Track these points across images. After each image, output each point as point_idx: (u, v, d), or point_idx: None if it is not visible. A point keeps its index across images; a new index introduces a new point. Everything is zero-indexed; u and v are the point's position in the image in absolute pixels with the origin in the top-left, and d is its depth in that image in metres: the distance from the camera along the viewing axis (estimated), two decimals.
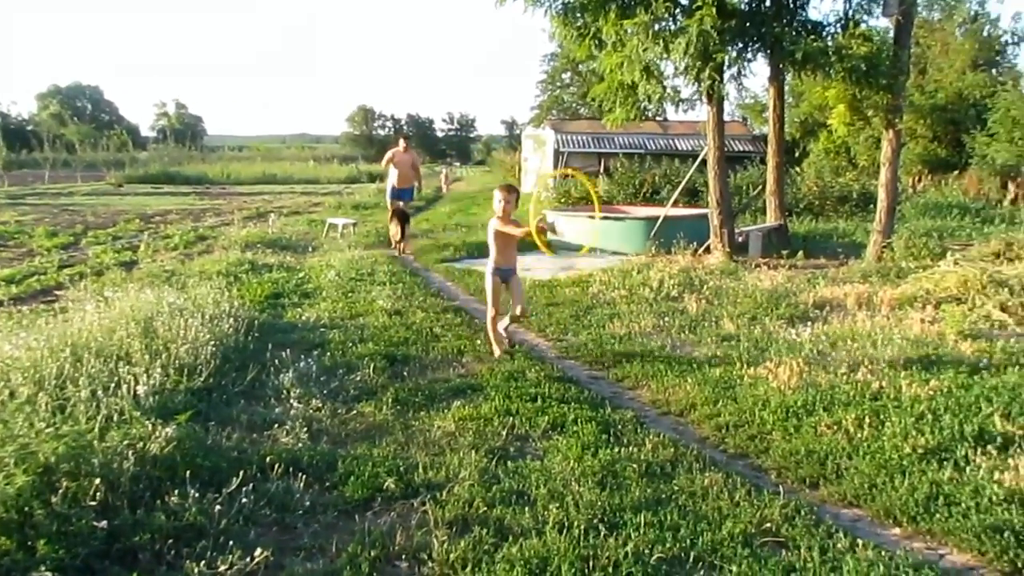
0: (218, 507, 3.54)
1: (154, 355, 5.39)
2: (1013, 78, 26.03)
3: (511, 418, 4.97)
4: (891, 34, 11.96)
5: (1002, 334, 7.15)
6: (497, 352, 6.57)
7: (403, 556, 3.35)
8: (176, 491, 3.61)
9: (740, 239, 12.55)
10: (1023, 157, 22.88)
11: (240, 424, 4.82)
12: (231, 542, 3.28)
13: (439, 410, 5.18)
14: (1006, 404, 5.02)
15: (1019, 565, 3.26)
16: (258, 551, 3.17)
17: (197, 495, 3.61)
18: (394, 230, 15.21)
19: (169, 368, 5.26)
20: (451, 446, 4.55)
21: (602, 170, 25.05)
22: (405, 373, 6.02)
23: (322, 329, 7.33)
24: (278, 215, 19.75)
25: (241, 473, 3.82)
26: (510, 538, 3.40)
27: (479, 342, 6.95)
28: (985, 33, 27.75)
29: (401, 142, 14.96)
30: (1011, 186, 20.56)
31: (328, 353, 6.44)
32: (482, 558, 3.26)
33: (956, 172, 23.25)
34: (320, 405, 5.16)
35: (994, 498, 3.76)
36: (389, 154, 14.90)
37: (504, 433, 4.76)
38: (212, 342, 5.93)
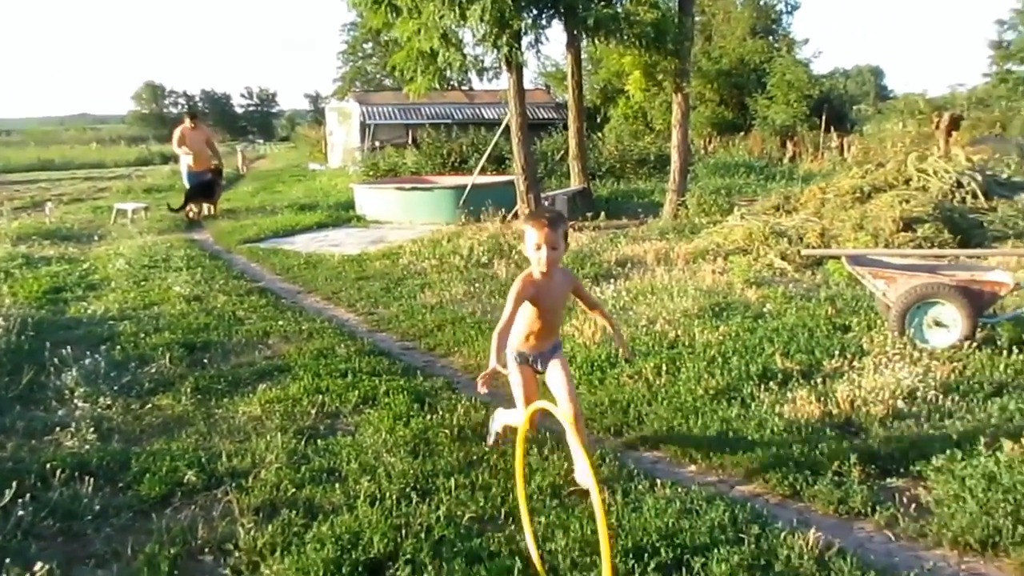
0: None
1: None
2: (787, 44, 28.29)
3: (321, 396, 4.83)
4: (677, 2, 12.56)
5: (782, 280, 7.77)
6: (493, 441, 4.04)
7: (207, 549, 3.18)
8: None
9: (547, 203, 12.86)
10: (798, 118, 25.00)
11: (16, 432, 4.38)
12: (7, 560, 2.97)
13: (244, 395, 4.95)
14: (785, 344, 5.46)
15: (798, 488, 3.55)
16: (39, 566, 2.89)
17: None
18: (196, 209, 14.46)
19: None
20: (257, 431, 4.36)
21: (410, 141, 24.85)
22: (206, 360, 5.69)
23: (111, 322, 6.79)
24: (57, 203, 18.07)
25: (15, 484, 3.46)
26: (320, 517, 3.31)
27: (282, 322, 6.68)
28: (762, 2, 29.90)
29: (187, 120, 14.15)
30: (789, 145, 22.38)
31: (119, 347, 5.97)
32: (291, 541, 3.15)
33: (742, 133, 25.00)
34: (110, 403, 4.78)
35: (775, 429, 4.09)
36: (177, 134, 14.09)
37: (314, 412, 4.62)
38: None
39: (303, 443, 4.15)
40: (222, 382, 5.17)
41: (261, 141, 62.92)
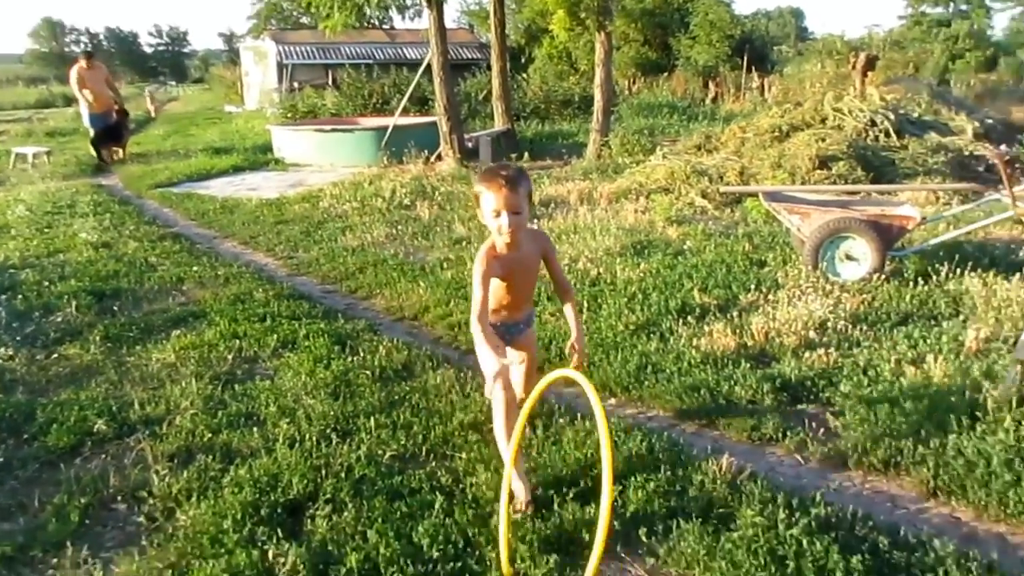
0: None
1: None
2: None
3: (238, 341, 4.72)
4: None
5: (702, 218, 7.89)
6: (522, 495, 2.91)
7: (119, 498, 3.10)
8: None
9: (470, 145, 12.71)
10: (720, 59, 25.21)
11: None
12: None
13: (157, 342, 4.80)
14: (703, 279, 5.56)
15: (714, 417, 3.65)
16: None
17: None
18: (105, 154, 13.86)
19: None
20: (171, 378, 4.24)
21: (330, 82, 24.15)
22: (116, 308, 5.49)
23: (11, 271, 6.47)
24: None
25: None
26: (238, 461, 3.25)
27: (197, 268, 6.48)
28: None
29: (83, 59, 13.44)
30: (711, 85, 22.58)
31: (20, 296, 5.70)
32: (208, 486, 3.09)
33: (666, 74, 25.10)
34: (11, 354, 4.58)
35: (692, 362, 4.17)
36: (74, 75, 13.37)
37: (231, 357, 4.51)
38: None
39: (220, 388, 4.06)
40: (133, 330, 5.00)
41: (173, 83, 60.07)
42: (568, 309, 3.22)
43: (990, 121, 11.80)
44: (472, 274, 2.92)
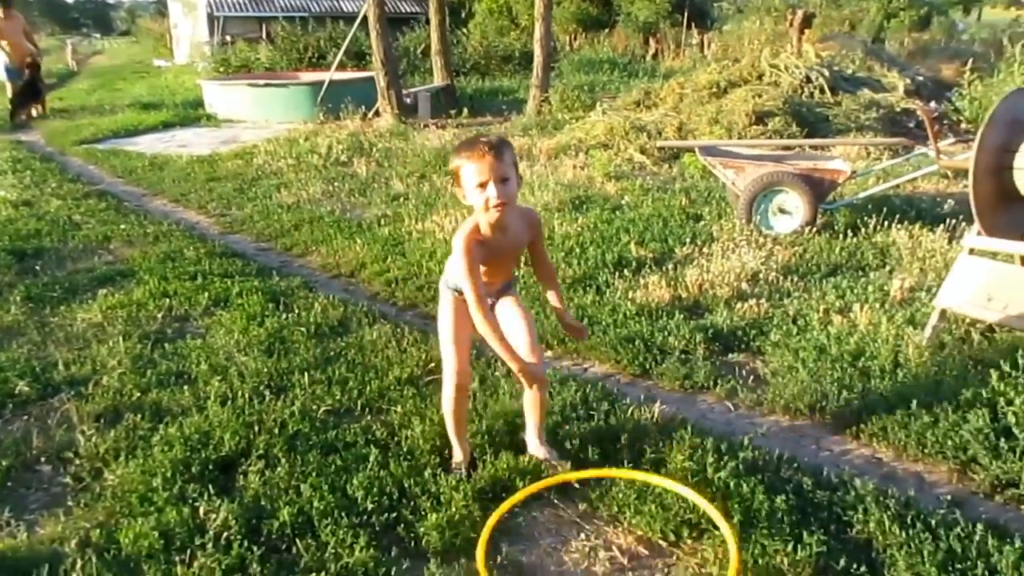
0: None
1: None
2: None
3: (168, 300, 4.61)
4: None
5: (640, 174, 7.93)
6: (461, 457, 2.87)
7: (44, 459, 3.02)
8: None
9: (409, 100, 12.51)
10: (661, 15, 25.14)
11: None
12: None
13: (83, 302, 4.65)
14: (640, 233, 5.61)
15: (647, 367, 3.70)
16: None
17: None
18: (23, 113, 13.30)
19: None
20: (98, 337, 4.12)
21: (263, 36, 23.44)
22: (38, 268, 5.30)
23: None
24: None
25: None
26: (168, 419, 3.18)
27: (125, 226, 6.28)
28: None
29: None
30: (652, 42, 22.53)
31: None
32: (137, 444, 3.03)
33: (606, 30, 24.95)
34: None
35: (628, 313, 4.21)
36: None
37: (160, 316, 4.41)
38: None
39: (149, 348, 3.96)
40: (57, 289, 4.83)
41: (98, 35, 57.73)
42: (552, 296, 2.91)
43: (921, 78, 12.04)
44: (455, 264, 2.61)
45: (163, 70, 24.73)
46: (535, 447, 2.86)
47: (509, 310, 2.79)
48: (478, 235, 2.56)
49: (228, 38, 24.35)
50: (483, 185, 2.43)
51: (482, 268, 2.61)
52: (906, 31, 24.95)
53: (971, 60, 11.58)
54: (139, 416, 3.22)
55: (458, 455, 2.85)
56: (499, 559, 2.42)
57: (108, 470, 2.89)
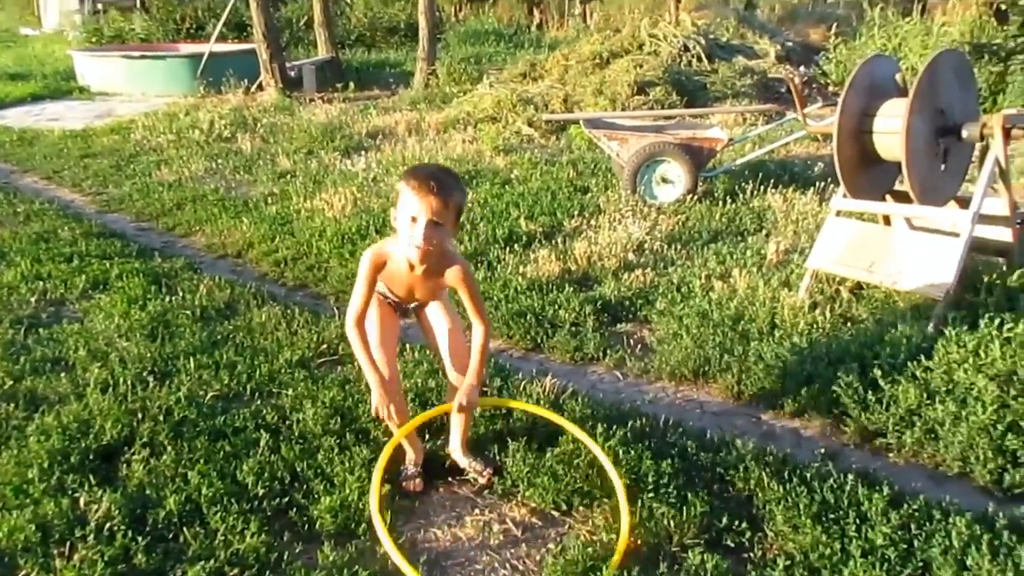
0: None
1: None
2: None
3: (42, 283, 4.42)
4: None
5: (529, 147, 7.98)
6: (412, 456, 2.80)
7: None
8: None
9: (293, 74, 12.17)
10: None
11: None
12: None
13: None
14: (530, 207, 5.66)
15: (539, 341, 3.77)
16: None
17: None
18: None
19: None
20: None
21: (138, 4, 22.23)
22: None
23: None
24: None
25: None
26: (44, 408, 3.05)
27: None
28: None
29: None
30: (536, 12, 22.58)
31: None
32: (11, 435, 2.90)
33: (491, 1, 24.82)
34: None
35: (519, 288, 4.27)
36: None
37: (34, 300, 4.23)
38: None
39: (22, 333, 3.79)
40: None
41: None
42: (474, 345, 2.62)
43: (791, 44, 12.53)
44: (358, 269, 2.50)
45: (31, 39, 23.15)
46: (459, 456, 2.80)
47: (434, 316, 2.74)
48: (382, 258, 2.47)
49: (100, 6, 22.98)
50: (414, 219, 2.31)
51: (388, 288, 2.59)
52: None
53: (835, 24, 12.13)
54: (12, 405, 3.09)
55: (410, 453, 2.76)
56: (395, 538, 2.44)
57: None
